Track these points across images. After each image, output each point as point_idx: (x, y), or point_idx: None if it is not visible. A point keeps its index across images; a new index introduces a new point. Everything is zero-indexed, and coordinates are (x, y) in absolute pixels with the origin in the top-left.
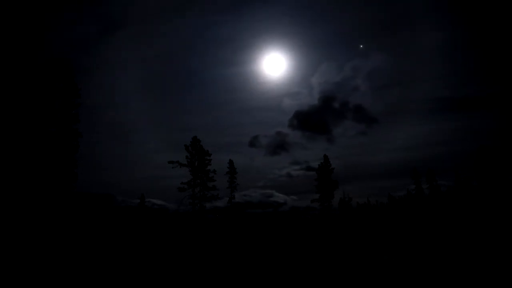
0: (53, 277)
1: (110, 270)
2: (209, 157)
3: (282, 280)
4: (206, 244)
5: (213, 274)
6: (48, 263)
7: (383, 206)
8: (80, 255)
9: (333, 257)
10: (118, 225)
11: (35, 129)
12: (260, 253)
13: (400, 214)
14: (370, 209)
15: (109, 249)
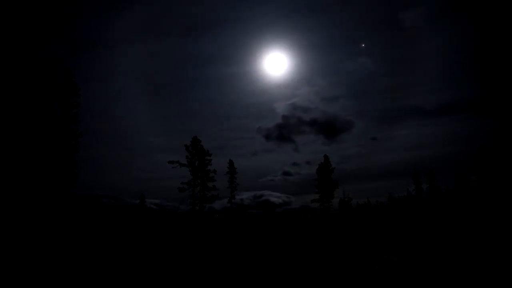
0: (53, 277)
1: (110, 269)
2: (209, 157)
3: (282, 280)
4: (206, 244)
5: (213, 275)
6: (48, 263)
7: (383, 206)
8: (80, 254)
9: (333, 257)
10: (119, 225)
11: (35, 129)
12: (261, 253)
13: (400, 214)
14: (370, 209)
15: (109, 249)
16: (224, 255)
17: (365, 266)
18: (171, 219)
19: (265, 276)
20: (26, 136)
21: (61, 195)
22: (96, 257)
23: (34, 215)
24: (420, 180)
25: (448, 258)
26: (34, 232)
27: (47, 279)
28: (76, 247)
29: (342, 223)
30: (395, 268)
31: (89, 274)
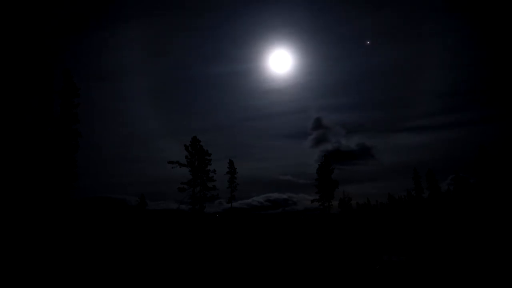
0: (54, 277)
1: (111, 269)
2: (209, 157)
3: (283, 280)
4: (206, 244)
5: (212, 274)
6: (49, 263)
7: (383, 206)
8: (79, 255)
9: (333, 257)
10: (119, 225)
11: (35, 129)
12: (261, 253)
13: (400, 214)
14: (370, 209)
15: (110, 249)
16: (223, 255)
17: (365, 266)
18: (171, 219)
19: (265, 276)
20: (26, 136)
21: (61, 196)
22: (96, 257)
23: (33, 215)
24: (420, 181)
25: (448, 258)
26: (33, 232)
27: (47, 279)
28: (75, 248)
29: (342, 223)
30: (395, 268)
31: (89, 274)
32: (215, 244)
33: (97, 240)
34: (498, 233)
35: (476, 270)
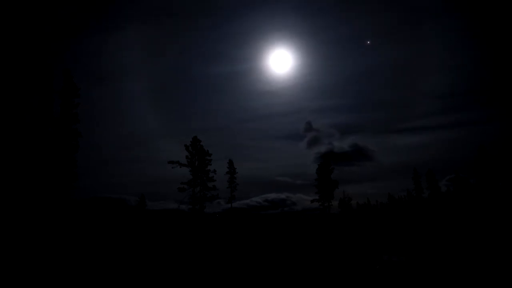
0: (54, 277)
1: (112, 268)
2: (209, 157)
3: (282, 280)
4: (206, 244)
5: (212, 273)
6: (49, 263)
7: (383, 206)
8: (80, 255)
9: (333, 257)
10: (120, 225)
11: (35, 129)
12: (261, 253)
13: (400, 214)
14: (370, 209)
15: (111, 249)
16: (223, 255)
17: (365, 266)
18: (171, 219)
19: (265, 276)
20: (26, 136)
21: (61, 196)
22: (96, 257)
23: (33, 215)
24: (420, 181)
25: (448, 258)
26: (33, 232)
27: (48, 278)
28: (75, 248)
29: (342, 223)
30: (395, 268)
31: (89, 274)
32: (215, 244)
33: (97, 240)
34: (498, 233)
35: (475, 270)
